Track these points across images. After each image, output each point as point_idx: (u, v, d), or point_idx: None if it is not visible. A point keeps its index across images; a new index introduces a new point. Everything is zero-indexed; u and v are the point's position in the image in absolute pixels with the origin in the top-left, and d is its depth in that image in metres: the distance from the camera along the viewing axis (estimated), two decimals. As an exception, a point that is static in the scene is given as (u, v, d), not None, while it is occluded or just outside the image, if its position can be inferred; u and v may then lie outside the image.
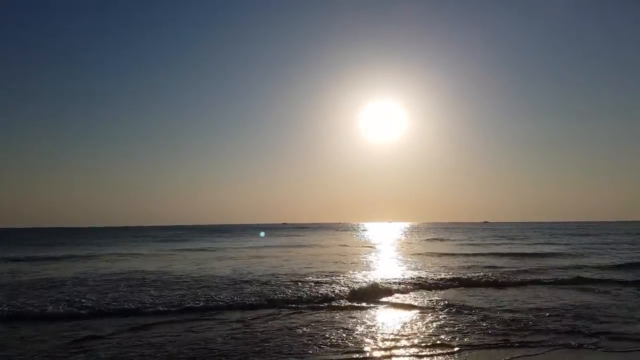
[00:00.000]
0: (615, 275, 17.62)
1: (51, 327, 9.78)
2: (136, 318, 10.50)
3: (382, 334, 9.00)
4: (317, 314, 10.92)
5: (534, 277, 17.02)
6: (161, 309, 11.35)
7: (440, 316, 10.48)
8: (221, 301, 12.27)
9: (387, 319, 10.36)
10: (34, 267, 23.27)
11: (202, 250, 36.16)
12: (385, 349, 7.98)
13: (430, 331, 9.11)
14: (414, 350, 7.95)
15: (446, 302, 12.21)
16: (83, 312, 11.00)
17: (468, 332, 9.00)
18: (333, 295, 12.99)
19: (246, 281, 16.13)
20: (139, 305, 11.74)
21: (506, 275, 17.29)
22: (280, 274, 18.12)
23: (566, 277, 16.75)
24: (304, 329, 9.43)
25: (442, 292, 14.08)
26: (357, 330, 9.31)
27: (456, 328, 9.30)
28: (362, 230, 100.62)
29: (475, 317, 10.25)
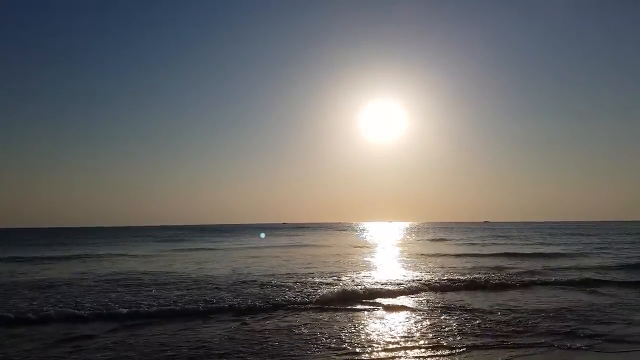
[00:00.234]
0: (616, 276, 17.55)
1: (47, 327, 9.75)
2: (134, 318, 10.46)
3: (380, 335, 8.96)
4: (317, 315, 10.87)
5: (535, 278, 16.96)
6: (159, 309, 11.30)
7: (439, 318, 10.44)
8: (220, 302, 12.22)
9: (386, 320, 10.31)
10: (33, 267, 23.24)
11: (202, 250, 36.13)
12: (384, 350, 7.95)
13: (429, 332, 9.08)
14: (412, 351, 7.92)
15: (446, 303, 12.17)
16: (80, 312, 10.94)
17: (467, 333, 8.98)
18: (333, 296, 12.92)
19: (245, 282, 16.08)
20: (137, 305, 11.69)
21: (507, 276, 17.23)
22: (280, 275, 18.07)
23: (567, 278, 16.69)
24: (303, 329, 9.39)
25: (443, 293, 14.01)
26: (356, 331, 9.27)
27: (455, 329, 9.27)
28: (362, 230, 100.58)
29: (474, 318, 10.22)
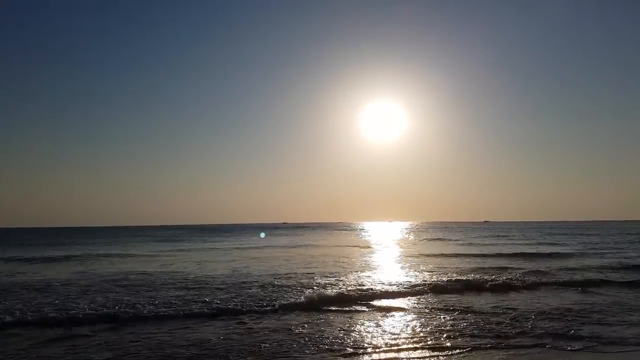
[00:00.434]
0: (616, 276, 17.52)
1: (45, 327, 9.71)
2: (133, 318, 10.43)
3: (380, 335, 8.94)
4: (316, 316, 10.85)
5: (535, 278, 16.92)
6: (158, 309, 11.27)
7: (439, 318, 10.44)
8: (219, 302, 12.18)
9: (386, 321, 10.30)
10: (32, 267, 23.23)
11: (202, 250, 36.09)
12: (383, 351, 7.95)
13: (429, 333, 9.07)
14: (412, 352, 7.91)
15: (446, 304, 12.16)
16: (78, 312, 10.91)
17: (465, 334, 8.97)
18: (332, 297, 12.89)
19: (245, 282, 16.05)
20: (136, 306, 11.66)
21: (507, 277, 17.19)
22: (280, 275, 18.04)
23: (568, 278, 16.67)
24: (302, 330, 9.36)
25: (443, 294, 13.98)
26: (355, 332, 9.25)
27: (455, 330, 9.26)
28: (363, 230, 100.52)
29: (473, 319, 10.22)
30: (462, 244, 41.35)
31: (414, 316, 10.68)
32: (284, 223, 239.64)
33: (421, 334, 8.93)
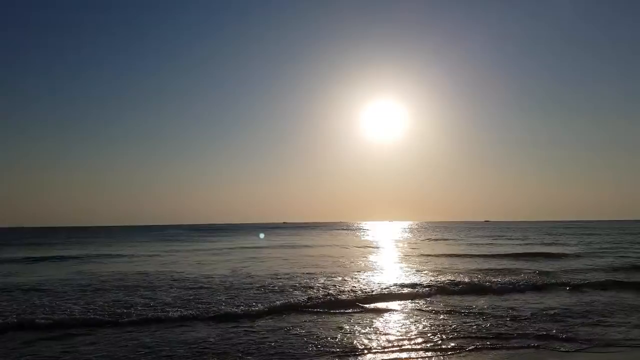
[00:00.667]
0: (617, 277, 17.45)
1: (42, 328, 9.65)
2: (130, 319, 10.36)
3: (380, 336, 8.91)
4: (316, 316, 10.80)
5: (535, 278, 16.87)
6: (156, 310, 11.22)
7: (439, 319, 10.42)
8: (218, 302, 12.13)
9: (386, 322, 10.26)
10: (31, 267, 23.17)
11: (201, 250, 36.03)
12: (383, 351, 7.92)
13: (428, 334, 9.04)
14: (411, 352, 7.87)
15: (446, 304, 12.14)
16: (75, 313, 10.86)
17: (464, 335, 8.93)
18: (332, 298, 12.84)
19: (244, 282, 16.00)
20: (134, 306, 11.61)
21: (508, 277, 17.14)
22: (279, 275, 17.99)
23: (568, 279, 16.60)
24: (301, 330, 9.31)
25: (443, 295, 13.93)
26: (355, 333, 9.21)
27: (454, 330, 9.23)
28: (363, 229, 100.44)
29: (473, 320, 10.21)
30: (463, 244, 41.28)
31: (414, 317, 10.62)
32: (284, 223, 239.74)
33: (421, 335, 8.88)
